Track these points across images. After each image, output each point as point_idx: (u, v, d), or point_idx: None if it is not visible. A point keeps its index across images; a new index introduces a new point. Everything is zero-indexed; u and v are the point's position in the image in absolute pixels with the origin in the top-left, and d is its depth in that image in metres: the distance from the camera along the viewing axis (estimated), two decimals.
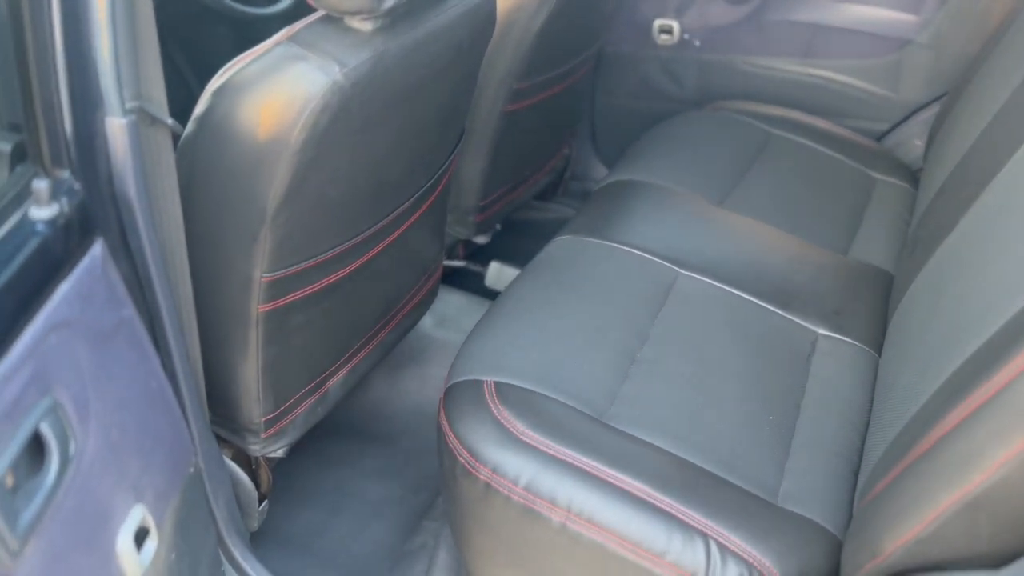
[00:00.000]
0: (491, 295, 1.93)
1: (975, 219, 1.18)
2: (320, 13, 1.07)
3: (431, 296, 1.66)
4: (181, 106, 1.06)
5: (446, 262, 1.93)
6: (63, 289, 0.76)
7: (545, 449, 1.09)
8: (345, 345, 1.39)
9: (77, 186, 0.82)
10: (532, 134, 1.87)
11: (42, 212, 0.75)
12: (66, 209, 0.78)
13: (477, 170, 1.74)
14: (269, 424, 1.28)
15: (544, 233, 2.15)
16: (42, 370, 0.72)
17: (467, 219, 1.82)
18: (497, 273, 1.93)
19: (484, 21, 1.27)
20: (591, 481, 1.06)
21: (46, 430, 0.72)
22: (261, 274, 1.12)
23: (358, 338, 1.43)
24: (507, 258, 2.00)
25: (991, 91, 1.47)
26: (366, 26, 1.04)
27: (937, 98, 1.95)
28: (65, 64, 0.83)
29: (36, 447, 0.72)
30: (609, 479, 1.06)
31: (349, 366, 1.43)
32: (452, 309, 1.90)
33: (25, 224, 0.74)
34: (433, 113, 1.26)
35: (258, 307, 1.15)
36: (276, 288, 1.15)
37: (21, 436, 0.69)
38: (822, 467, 1.16)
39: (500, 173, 1.80)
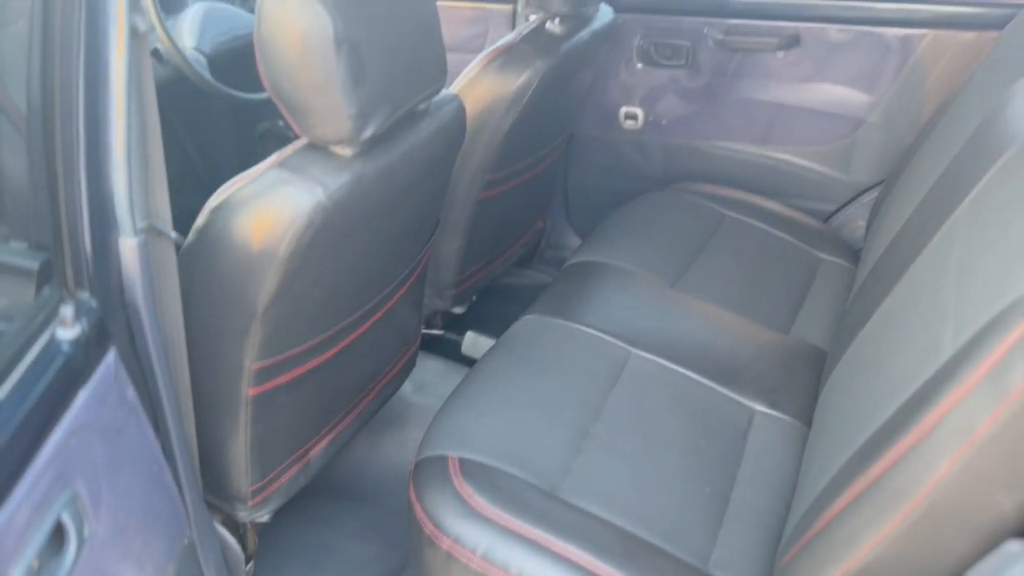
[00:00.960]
0: (468, 361, 2.07)
1: (886, 311, 1.33)
2: (304, 140, 1.22)
3: (410, 365, 1.81)
4: (182, 178, 1.18)
5: (425, 331, 2.08)
6: (82, 396, 0.90)
7: (501, 522, 1.22)
8: (327, 417, 1.54)
9: (95, 303, 0.97)
10: (506, 215, 2.03)
11: (67, 333, 0.90)
12: (87, 328, 0.92)
13: (453, 250, 1.89)
14: (256, 493, 1.42)
15: (519, 299, 2.31)
16: (64, 468, 0.86)
17: (445, 293, 1.97)
18: (472, 342, 2.08)
19: (456, 135, 1.43)
20: (540, 552, 1.19)
21: (66, 519, 0.86)
22: (251, 363, 1.26)
23: (340, 410, 1.57)
24: (484, 324, 2.15)
25: (920, 179, 1.62)
26: (347, 152, 1.20)
27: (880, 182, 2.11)
28: (87, 197, 0.98)
29: (56, 532, 0.86)
30: (557, 550, 1.20)
31: (331, 436, 1.57)
32: (431, 375, 2.04)
33: (52, 345, 0.89)
34: (409, 216, 1.42)
35: (248, 391, 1.29)
36: (264, 374, 1.29)
37: (47, 527, 0.83)
38: (751, 536, 1.30)
39: (476, 251, 1.96)
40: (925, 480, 0.87)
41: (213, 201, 1.19)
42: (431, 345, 2.10)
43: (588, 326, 1.62)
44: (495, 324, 2.13)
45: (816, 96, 2.16)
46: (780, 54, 2.12)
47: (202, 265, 1.20)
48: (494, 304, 2.25)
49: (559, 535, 1.22)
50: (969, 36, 1.93)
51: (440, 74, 1.34)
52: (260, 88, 2.32)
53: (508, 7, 2.29)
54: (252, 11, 2.43)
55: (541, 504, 1.27)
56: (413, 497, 1.31)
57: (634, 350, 1.58)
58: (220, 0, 2.43)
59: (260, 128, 2.61)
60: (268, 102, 2.31)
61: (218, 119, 2.33)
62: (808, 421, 1.52)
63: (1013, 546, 0.81)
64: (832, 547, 0.98)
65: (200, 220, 1.19)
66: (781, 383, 1.59)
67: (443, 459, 1.33)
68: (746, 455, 1.43)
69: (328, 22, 1.09)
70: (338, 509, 1.76)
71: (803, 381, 1.61)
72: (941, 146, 1.61)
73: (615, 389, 1.49)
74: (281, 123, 2.57)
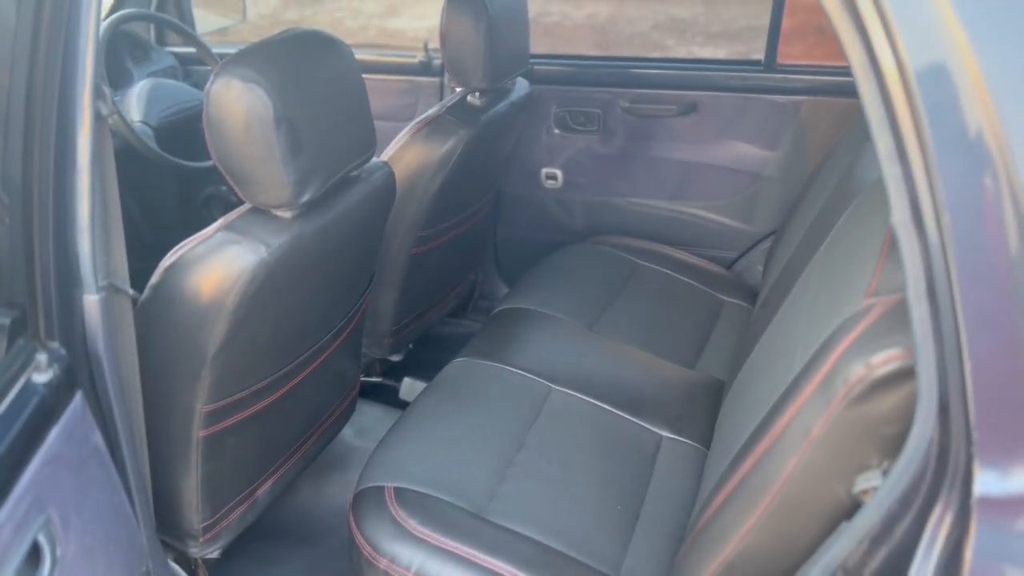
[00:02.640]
0: (405, 406, 2.21)
1: (764, 341, 1.52)
2: (248, 205, 1.38)
3: (350, 410, 1.94)
4: (130, 241, 1.29)
5: (364, 378, 2.22)
6: (54, 432, 1.03)
7: (432, 541, 1.37)
8: (273, 458, 1.66)
9: (63, 352, 1.10)
10: (440, 268, 2.20)
11: (42, 377, 1.03)
12: (58, 373, 1.06)
13: (389, 301, 2.05)
14: (207, 529, 1.53)
15: (454, 346, 2.46)
16: (40, 494, 0.99)
17: (382, 342, 2.12)
18: (409, 387, 2.23)
19: (386, 197, 1.61)
20: (469, 566, 1.34)
21: (42, 540, 0.98)
22: (202, 405, 1.39)
23: (285, 451, 1.70)
24: (420, 371, 2.29)
25: (798, 226, 1.84)
26: (286, 214, 1.36)
27: (774, 231, 2.34)
28: (55, 259, 1.12)
29: (32, 552, 0.98)
30: (483, 563, 1.34)
31: (276, 475, 1.70)
32: (370, 420, 2.17)
33: (29, 387, 1.02)
34: (345, 270, 1.58)
35: (199, 432, 1.42)
36: (214, 416, 1.42)
37: (25, 546, 0.95)
38: (658, 546, 1.46)
39: (411, 302, 2.12)
40: (776, 478, 1.05)
41: (167, 260, 1.33)
42: (371, 392, 2.23)
43: (513, 366, 1.79)
44: (431, 370, 2.27)
45: (716, 154, 2.40)
46: (681, 118, 2.35)
47: (157, 317, 1.34)
48: (430, 352, 2.40)
49: (485, 551, 1.36)
50: (843, 102, 2.19)
51: (369, 144, 1.51)
52: (204, 157, 2.49)
53: (436, 80, 2.50)
54: (195, 86, 2.60)
55: (468, 524, 1.41)
56: (352, 524, 1.44)
57: (554, 386, 1.74)
58: (165, 77, 2.59)
59: (204, 193, 2.75)
60: (211, 170, 2.47)
61: (163, 186, 2.47)
62: (708, 444, 1.70)
63: (845, 525, 0.98)
64: (712, 539, 1.15)
65: (155, 277, 1.34)
66: (685, 411, 1.77)
67: (380, 489, 1.46)
68: (654, 476, 1.60)
69: (268, 104, 1.26)
70: (285, 548, 1.87)
71: (705, 409, 1.79)
72: (814, 198, 1.84)
73: (537, 421, 1.65)
74: (224, 188, 2.72)
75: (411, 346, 2.30)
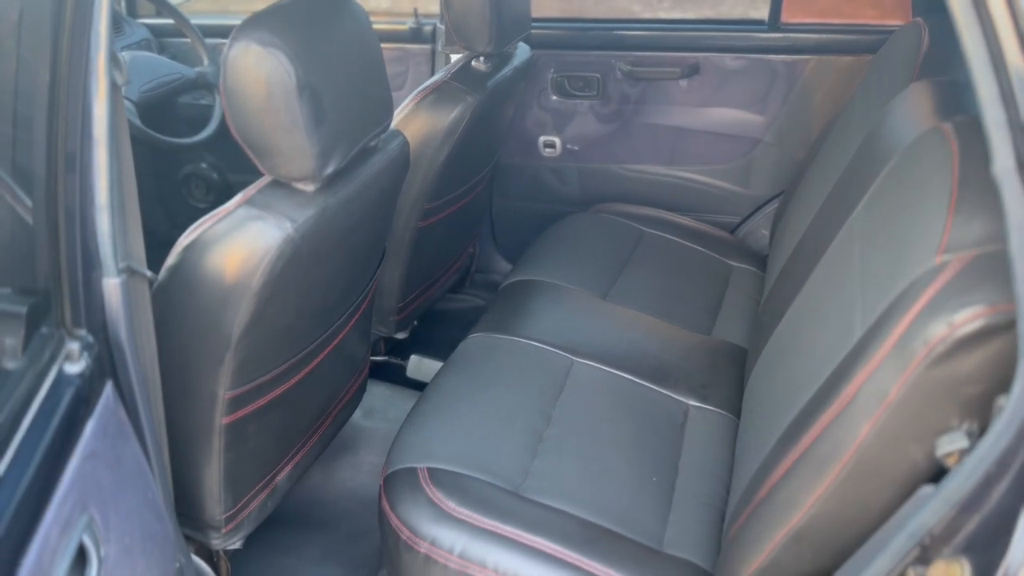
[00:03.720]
0: (413, 384, 2.16)
1: (799, 306, 1.50)
2: (268, 178, 1.31)
3: (361, 391, 1.88)
4: None
5: (371, 357, 2.15)
6: (90, 426, 0.96)
7: (474, 522, 1.32)
8: (291, 443, 1.60)
9: (91, 339, 1.03)
10: (442, 242, 2.14)
11: (75, 368, 0.96)
12: (90, 362, 0.98)
13: (395, 278, 1.98)
14: (229, 520, 1.47)
15: (457, 322, 2.42)
16: (82, 493, 0.92)
17: (388, 319, 2.05)
18: (417, 364, 2.17)
19: (402, 166, 1.54)
20: (513, 545, 1.30)
21: (87, 541, 0.91)
22: (224, 392, 1.32)
23: (302, 436, 1.63)
24: (425, 348, 2.24)
25: (815, 190, 1.82)
26: (309, 187, 1.29)
27: (778, 194, 2.32)
28: (81, 243, 1.04)
29: (78, 554, 0.92)
30: (527, 542, 1.30)
31: (295, 461, 1.63)
32: (378, 401, 2.12)
33: (63, 379, 0.94)
34: (364, 245, 1.51)
35: (222, 420, 1.35)
36: (237, 402, 1.35)
37: (72, 548, 0.88)
38: (697, 516, 1.43)
39: (416, 278, 2.06)
40: (848, 444, 1.02)
41: (184, 240, 1.25)
42: (376, 371, 2.17)
43: (531, 339, 1.74)
44: (436, 347, 2.23)
45: (716, 119, 2.36)
46: (683, 82, 2.31)
47: (176, 301, 1.26)
48: (433, 328, 2.34)
49: (527, 529, 1.32)
50: (847, 60, 2.16)
51: (388, 111, 1.44)
52: (186, 133, 2.38)
53: (427, 47, 2.42)
54: (173, 59, 2.49)
55: (507, 503, 1.37)
56: (386, 507, 1.39)
57: (576, 358, 1.70)
58: (139, 50, 2.47)
59: (184, 171, 2.65)
60: (193, 146, 2.37)
61: (140, 163, 2.36)
62: (736, 411, 1.68)
63: (926, 489, 0.96)
64: (775, 510, 1.12)
65: (172, 259, 1.26)
66: (709, 379, 1.74)
67: (412, 470, 1.41)
68: (685, 446, 1.57)
69: (290, 70, 1.19)
70: (301, 536, 1.81)
71: (728, 376, 1.77)
72: (832, 159, 1.81)
73: (562, 395, 1.61)
74: (204, 166, 2.62)
75: (415, 323, 2.24)
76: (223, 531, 1.47)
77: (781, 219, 2.09)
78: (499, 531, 1.31)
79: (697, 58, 2.28)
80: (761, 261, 2.20)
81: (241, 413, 1.38)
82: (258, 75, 1.19)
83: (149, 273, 1.16)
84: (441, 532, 1.32)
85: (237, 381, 1.33)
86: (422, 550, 1.32)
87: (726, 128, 2.37)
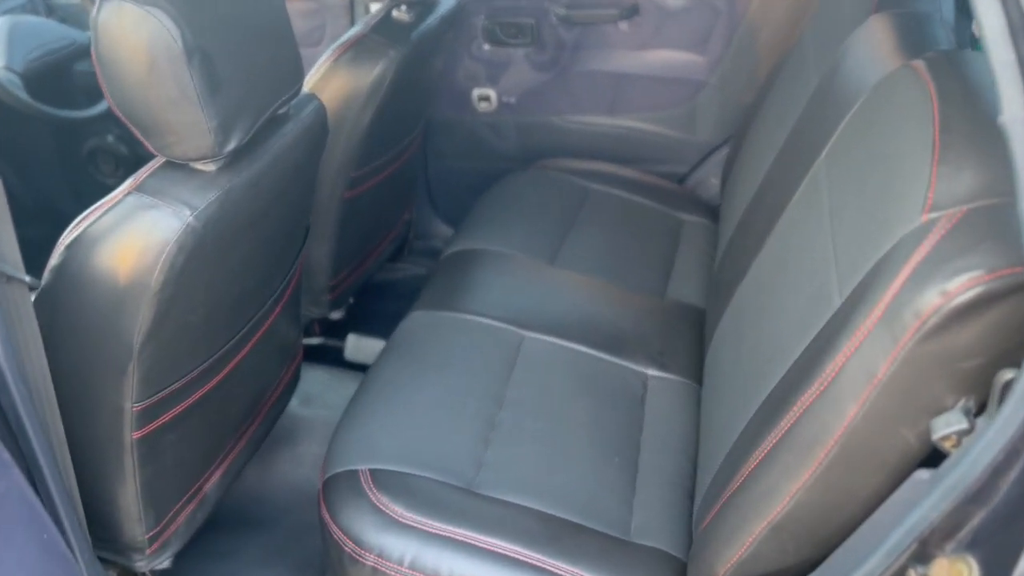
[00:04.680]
0: (353, 366, 2.02)
1: (762, 265, 1.39)
2: (160, 159, 1.14)
3: (295, 381, 1.74)
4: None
5: (304, 341, 2.00)
6: None
7: (423, 527, 1.20)
8: (218, 448, 1.45)
9: None
10: (374, 211, 1.98)
11: None
12: None
13: (324, 253, 1.83)
14: (153, 540, 1.32)
15: (396, 294, 2.27)
16: None
17: (321, 299, 1.90)
18: (355, 345, 2.02)
19: (319, 134, 1.37)
20: (468, 550, 1.18)
21: None
22: (131, 404, 1.17)
23: (230, 438, 1.49)
24: (363, 326, 2.09)
25: (769, 136, 1.70)
26: (209, 167, 1.12)
27: (727, 140, 2.20)
28: None
29: None
30: (484, 545, 1.19)
31: (224, 466, 1.49)
32: (316, 386, 1.97)
33: None
34: (280, 225, 1.35)
35: (132, 435, 1.20)
36: (147, 414, 1.20)
37: None
38: (664, 498, 1.33)
39: (347, 252, 1.90)
40: (835, 426, 0.92)
41: (67, 236, 1.09)
42: (312, 355, 2.02)
43: (477, 314, 1.61)
44: (376, 323, 2.09)
45: (658, 63, 2.23)
46: (623, 25, 2.16)
47: (65, 307, 1.10)
48: (371, 303, 2.19)
49: (483, 530, 1.20)
50: None
51: (298, 74, 1.27)
52: (82, 104, 2.16)
53: None
54: (63, 22, 2.25)
55: (460, 502, 1.25)
56: (327, 517, 1.26)
57: (526, 332, 1.58)
58: (23, 13, 2.23)
59: (88, 146, 2.42)
60: (94, 119, 2.15)
61: (38, 141, 2.14)
62: (696, 377, 1.58)
63: (923, 474, 0.86)
64: (754, 500, 1.02)
65: (55, 258, 1.09)
66: (667, 345, 1.63)
67: (353, 473, 1.28)
68: (646, 420, 1.47)
69: (175, 32, 1.02)
70: (239, 539, 1.68)
71: (686, 340, 1.66)
72: (785, 102, 1.69)
73: (514, 374, 1.49)
74: (110, 138, 2.39)
75: (351, 300, 2.08)
76: (147, 552, 1.32)
77: (733, 167, 1.98)
78: (452, 535, 1.20)
79: None
80: (712, 212, 2.09)
81: (154, 425, 1.22)
82: (136, 40, 1.01)
83: (27, 278, 1.00)
84: (388, 541, 1.19)
85: (145, 391, 1.17)
86: (368, 562, 1.20)
87: (669, 72, 2.23)
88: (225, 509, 1.71)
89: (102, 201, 1.10)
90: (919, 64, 1.09)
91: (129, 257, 1.06)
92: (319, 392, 1.97)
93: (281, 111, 1.27)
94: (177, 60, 1.02)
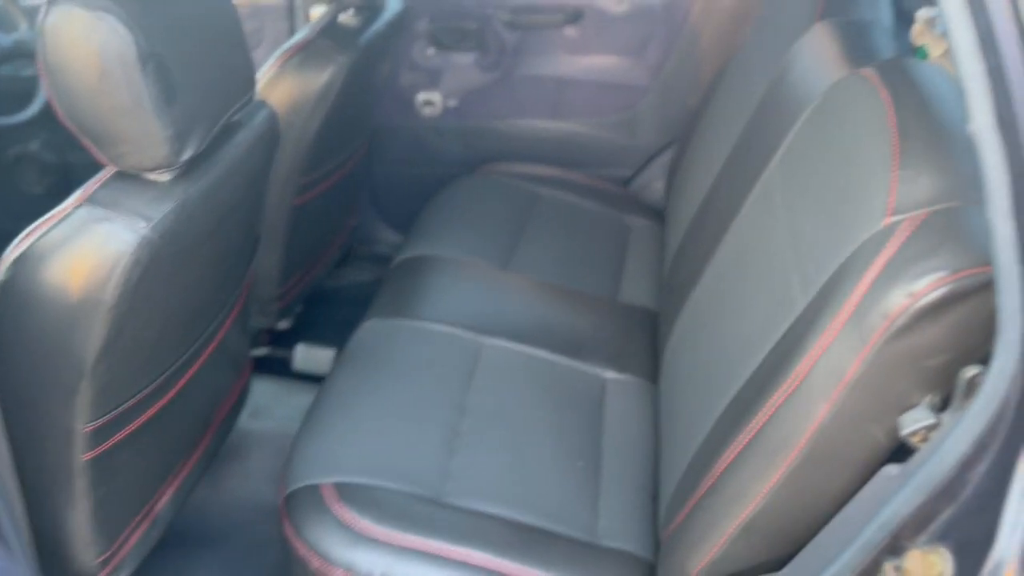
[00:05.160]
0: (302, 377, 1.98)
1: (717, 268, 1.42)
2: (111, 170, 1.09)
3: (245, 394, 1.69)
4: None
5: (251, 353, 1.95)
6: None
7: (393, 541, 1.18)
8: (170, 466, 1.40)
9: None
10: (322, 217, 1.94)
11: None
12: None
13: (273, 262, 1.79)
14: (105, 563, 1.27)
15: (342, 302, 2.23)
16: None
17: (269, 309, 1.86)
18: (305, 355, 1.98)
19: (271, 142, 1.34)
20: (441, 563, 1.17)
21: None
22: (83, 425, 1.12)
23: (182, 455, 1.44)
24: (311, 335, 2.05)
25: (716, 140, 1.72)
26: (164, 177, 1.09)
27: (669, 144, 2.24)
28: None
29: None
30: (456, 556, 1.18)
31: (176, 484, 1.44)
32: (264, 398, 1.92)
33: None
34: (234, 236, 1.32)
35: (83, 456, 1.15)
36: (99, 435, 1.15)
37: None
38: (628, 500, 1.34)
39: (295, 260, 1.86)
40: (805, 426, 0.94)
41: (13, 252, 1.03)
42: (259, 366, 1.96)
43: (433, 321, 1.60)
44: (323, 332, 2.05)
45: (600, 68, 2.25)
46: (567, 29, 2.17)
47: (11, 326, 1.04)
48: (318, 311, 2.15)
49: (455, 541, 1.19)
50: (732, 0, 2.08)
51: (250, 81, 1.24)
52: (7, 110, 2.06)
53: (283, 0, 2.17)
54: None
55: (428, 513, 1.24)
56: (290, 533, 1.23)
57: (484, 338, 1.57)
58: None
59: (10, 153, 2.32)
60: (18, 125, 2.05)
61: None
62: (652, 378, 1.60)
63: (892, 470, 0.89)
64: (724, 502, 1.03)
65: (0, 274, 1.03)
66: (623, 347, 1.65)
67: (315, 488, 1.26)
68: (606, 422, 1.48)
69: (128, 38, 0.98)
70: (192, 558, 1.63)
71: (642, 342, 1.68)
72: (730, 108, 1.72)
73: (474, 381, 1.48)
74: (35, 145, 2.29)
75: (299, 309, 2.04)
76: None
77: (678, 171, 2.01)
78: (423, 547, 1.18)
79: (580, 3, 2.14)
80: (658, 215, 2.12)
81: (106, 446, 1.18)
82: (87, 47, 0.97)
83: None
84: (357, 556, 1.17)
85: (97, 411, 1.13)
86: None
87: (610, 77, 2.26)
88: (176, 529, 1.66)
89: (49, 215, 1.05)
90: (870, 72, 1.12)
91: (82, 272, 1.02)
92: (268, 404, 1.93)
93: (235, 118, 1.23)
94: (130, 67, 0.99)
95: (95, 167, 1.11)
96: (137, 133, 1.02)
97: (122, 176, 1.08)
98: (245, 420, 1.88)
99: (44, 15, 0.97)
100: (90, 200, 1.05)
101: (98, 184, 1.08)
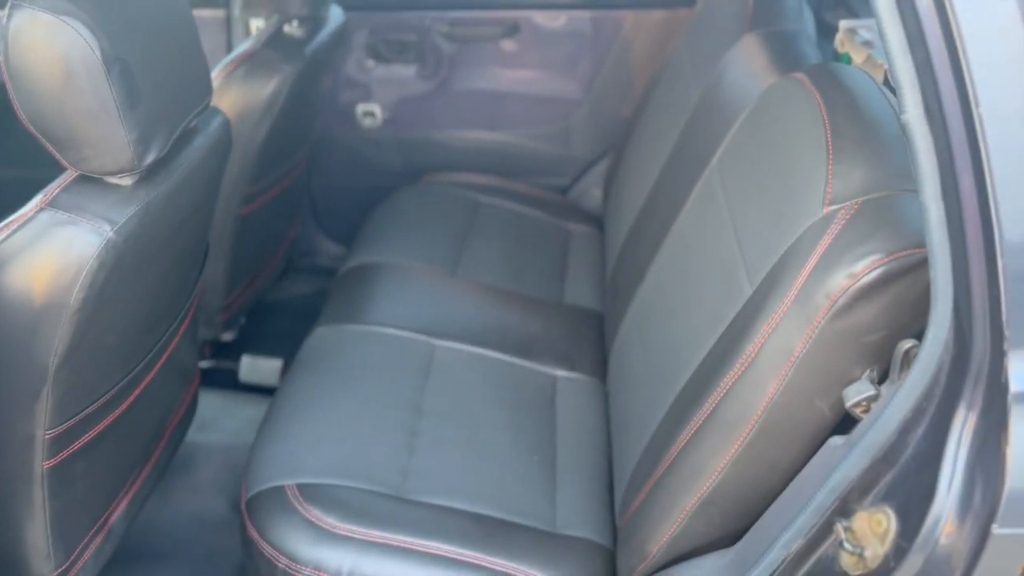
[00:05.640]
0: (249, 389, 1.97)
1: (662, 266, 1.48)
2: (73, 173, 1.09)
3: (194, 405, 1.68)
4: None
5: None
6: None
7: (360, 536, 1.20)
8: (125, 476, 1.39)
9: None
10: (266, 228, 1.94)
11: None
12: None
13: (219, 272, 1.78)
14: None
15: (284, 313, 2.23)
16: None
17: (214, 320, 1.85)
18: (251, 366, 1.98)
19: (226, 149, 1.35)
20: (408, 555, 1.19)
21: None
22: (44, 432, 1.11)
23: (136, 465, 1.42)
24: (255, 346, 2.05)
25: (652, 148, 1.80)
26: (126, 181, 1.09)
27: (605, 153, 2.32)
28: None
29: None
30: (422, 549, 1.20)
31: (130, 496, 1.42)
32: (210, 411, 1.90)
33: None
34: (191, 242, 1.32)
35: (43, 464, 1.13)
36: (60, 441, 1.14)
37: None
38: (584, 491, 1.39)
39: (240, 270, 1.86)
40: (757, 403, 1.01)
41: None
42: (204, 379, 1.95)
43: (385, 326, 1.62)
44: (268, 343, 2.05)
45: (535, 81, 2.32)
46: (504, 43, 2.23)
47: None
48: (260, 323, 2.15)
49: (420, 534, 1.22)
50: (662, 15, 2.18)
51: (208, 87, 1.26)
52: None
53: (221, 13, 2.17)
54: None
55: (392, 509, 1.26)
56: (255, 535, 1.23)
57: (437, 341, 1.60)
58: None
59: None
60: None
61: None
62: (601, 376, 1.66)
63: (837, 440, 0.96)
64: (683, 479, 1.09)
65: None
66: (572, 347, 1.70)
67: (279, 489, 1.27)
68: (559, 418, 1.53)
69: (92, 42, 0.99)
70: (141, 573, 1.60)
71: (588, 341, 1.74)
72: (665, 116, 1.81)
73: (429, 383, 1.51)
74: None
75: (242, 320, 2.04)
76: None
77: (615, 178, 2.09)
78: (390, 542, 1.20)
79: (516, 17, 2.21)
80: (596, 221, 2.19)
81: (66, 453, 1.16)
82: (51, 51, 0.98)
83: None
84: (324, 554, 1.19)
85: (59, 417, 1.12)
86: None
87: (544, 91, 2.33)
88: (128, 543, 1.63)
89: (10, 219, 1.04)
90: (802, 76, 1.21)
91: (46, 276, 1.01)
92: (214, 417, 1.91)
93: (192, 124, 1.24)
94: (95, 71, 0.99)
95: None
96: (101, 137, 1.03)
97: (84, 180, 1.08)
98: (193, 433, 1.86)
99: (7, 19, 0.97)
100: (52, 204, 1.05)
101: (60, 188, 1.07)
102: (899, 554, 0.83)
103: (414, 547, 1.20)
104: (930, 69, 0.75)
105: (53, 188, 1.08)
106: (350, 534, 1.21)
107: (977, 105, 0.73)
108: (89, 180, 1.09)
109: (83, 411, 1.16)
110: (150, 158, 1.09)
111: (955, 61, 0.73)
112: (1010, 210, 0.75)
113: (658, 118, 1.87)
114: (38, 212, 1.04)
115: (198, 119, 1.27)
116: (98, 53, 0.99)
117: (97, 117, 1.01)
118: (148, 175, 1.12)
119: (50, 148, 1.05)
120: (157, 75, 1.10)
